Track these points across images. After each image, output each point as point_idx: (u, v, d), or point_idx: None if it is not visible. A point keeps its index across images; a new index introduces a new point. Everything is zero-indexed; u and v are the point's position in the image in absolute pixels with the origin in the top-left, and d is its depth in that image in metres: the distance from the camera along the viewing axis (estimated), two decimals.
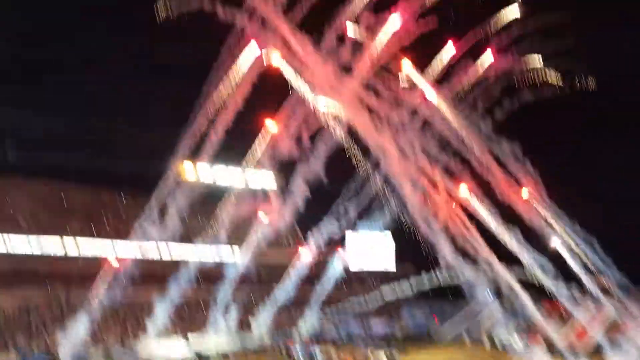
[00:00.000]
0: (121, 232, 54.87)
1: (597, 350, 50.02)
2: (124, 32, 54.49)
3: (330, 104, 44.18)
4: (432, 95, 48.74)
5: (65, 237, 55.77)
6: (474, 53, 50.19)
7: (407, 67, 47.05)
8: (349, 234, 64.32)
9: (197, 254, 57.34)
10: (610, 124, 60.38)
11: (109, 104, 56.60)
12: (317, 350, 52.81)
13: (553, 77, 51.29)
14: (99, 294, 47.69)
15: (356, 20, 44.32)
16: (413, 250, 55.70)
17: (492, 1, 48.02)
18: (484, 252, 49.45)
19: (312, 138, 45.33)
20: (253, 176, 56.31)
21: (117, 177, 57.24)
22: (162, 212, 48.95)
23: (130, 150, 55.39)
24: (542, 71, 51.29)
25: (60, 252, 55.20)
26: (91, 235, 57.58)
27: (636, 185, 58.93)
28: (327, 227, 57.84)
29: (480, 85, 50.97)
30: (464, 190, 49.77)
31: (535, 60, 50.86)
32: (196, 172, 51.30)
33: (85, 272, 50.91)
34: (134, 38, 53.31)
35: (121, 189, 62.06)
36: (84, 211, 59.67)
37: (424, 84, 48.45)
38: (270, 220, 53.69)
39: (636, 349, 47.89)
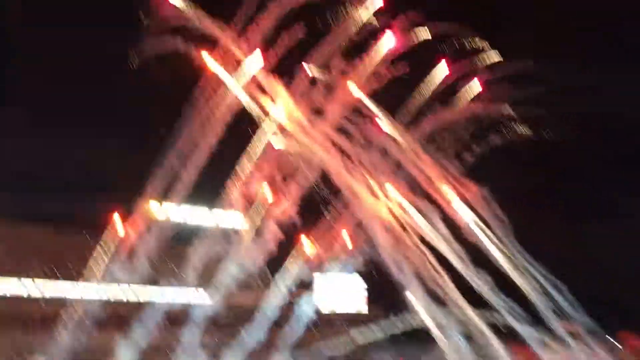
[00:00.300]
0: (85, 273, 53.82)
1: None
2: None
3: (301, 146, 44.53)
4: (385, 122, 49.04)
5: (25, 279, 54.37)
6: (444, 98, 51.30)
7: (354, 90, 47.18)
8: (317, 276, 63.55)
9: (163, 296, 56.19)
10: (585, 168, 61.66)
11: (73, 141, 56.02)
12: None
13: (523, 123, 52.44)
14: (61, 338, 46.40)
15: (327, 65, 45.17)
16: (384, 293, 55.61)
17: (466, 48, 49.27)
18: (455, 295, 49.54)
19: (284, 179, 45.61)
20: (223, 217, 56.04)
21: (81, 217, 56.29)
22: (129, 252, 48.46)
23: (95, 189, 54.75)
24: (512, 117, 52.42)
25: (20, 295, 53.72)
26: (53, 276, 56.17)
27: (607, 233, 60.16)
28: (297, 269, 57.33)
29: (450, 129, 51.97)
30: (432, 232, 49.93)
31: (506, 106, 52.04)
32: (164, 211, 50.86)
33: (46, 315, 49.68)
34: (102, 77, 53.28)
35: (85, 229, 60.89)
36: (46, 252, 58.33)
37: (376, 109, 48.73)
38: (240, 261, 53.08)
39: None
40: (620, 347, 65.66)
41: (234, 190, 46.47)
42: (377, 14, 44.52)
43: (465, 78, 50.78)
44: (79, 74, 52.91)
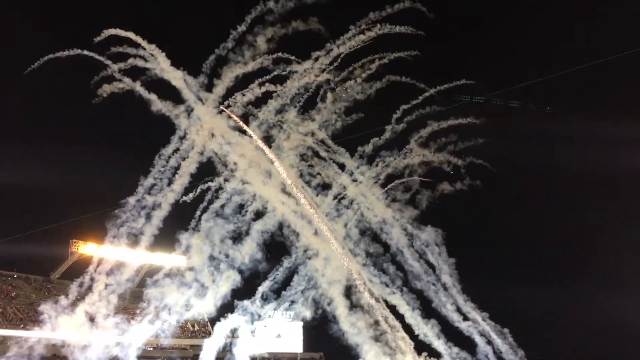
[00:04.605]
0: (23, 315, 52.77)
1: None
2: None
3: (260, 196, 46.03)
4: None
5: None
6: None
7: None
8: (258, 324, 64.98)
9: (101, 337, 55.63)
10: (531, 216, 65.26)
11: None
12: None
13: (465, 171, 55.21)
14: None
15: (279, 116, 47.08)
16: (328, 341, 57.17)
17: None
18: (403, 344, 51.74)
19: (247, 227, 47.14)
20: (165, 260, 56.78)
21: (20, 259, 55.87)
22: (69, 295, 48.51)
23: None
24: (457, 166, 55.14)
25: None
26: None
27: (550, 277, 63.91)
28: (239, 314, 58.45)
29: (400, 177, 54.41)
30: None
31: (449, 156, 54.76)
32: (101, 253, 51.32)
33: None
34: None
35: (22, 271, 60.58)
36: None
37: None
38: (179, 305, 53.62)
39: None
40: None
41: (188, 236, 47.45)
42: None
43: (418, 126, 53.33)
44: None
